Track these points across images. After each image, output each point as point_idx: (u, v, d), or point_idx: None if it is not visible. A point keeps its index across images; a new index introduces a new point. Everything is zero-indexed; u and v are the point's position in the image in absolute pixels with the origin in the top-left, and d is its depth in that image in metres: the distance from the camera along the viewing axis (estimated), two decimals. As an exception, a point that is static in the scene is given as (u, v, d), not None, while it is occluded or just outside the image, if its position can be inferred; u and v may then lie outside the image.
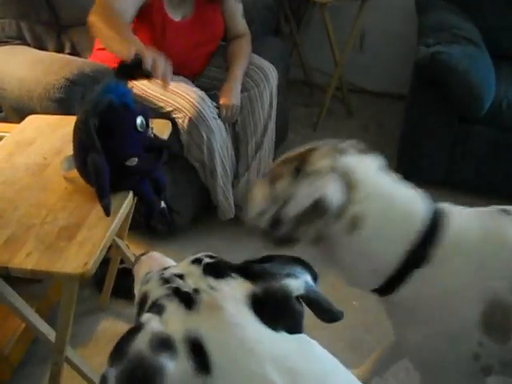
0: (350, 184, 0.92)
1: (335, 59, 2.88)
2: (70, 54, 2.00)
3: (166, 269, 0.72)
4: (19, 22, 2.03)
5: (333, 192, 0.91)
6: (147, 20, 1.78)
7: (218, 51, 2.08)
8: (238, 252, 2.06)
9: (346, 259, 0.99)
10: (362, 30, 3.05)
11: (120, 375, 0.54)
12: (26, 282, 1.61)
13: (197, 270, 0.68)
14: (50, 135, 1.40)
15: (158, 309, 0.61)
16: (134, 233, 1.97)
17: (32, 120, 1.50)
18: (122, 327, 1.73)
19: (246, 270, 0.67)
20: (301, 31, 3.15)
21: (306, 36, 3.21)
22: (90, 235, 1.04)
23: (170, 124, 1.44)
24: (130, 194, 1.16)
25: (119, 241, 1.57)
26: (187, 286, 0.64)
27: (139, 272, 0.83)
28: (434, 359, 1.00)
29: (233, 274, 0.66)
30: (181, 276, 0.67)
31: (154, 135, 1.19)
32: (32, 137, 1.39)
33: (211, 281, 0.65)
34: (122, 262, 1.67)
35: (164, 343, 0.56)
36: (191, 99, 1.79)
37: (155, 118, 1.44)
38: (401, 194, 0.96)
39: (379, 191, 0.94)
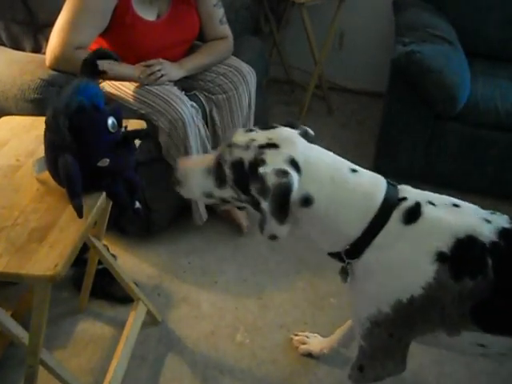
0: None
1: (314, 58, 2.89)
2: (46, 54, 1.98)
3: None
4: (-5, 21, 2.01)
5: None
6: (118, 21, 1.77)
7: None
8: (217, 251, 2.07)
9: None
10: (341, 29, 3.08)
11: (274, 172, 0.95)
12: (1, 285, 1.60)
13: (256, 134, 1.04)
14: (24, 136, 1.39)
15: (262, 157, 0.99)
16: (112, 233, 1.97)
17: (6, 121, 1.48)
18: (101, 328, 1.73)
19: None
20: (280, 30, 3.16)
21: (285, 35, 3.23)
22: (62, 237, 1.04)
23: (144, 124, 1.44)
24: (103, 195, 1.16)
25: (97, 241, 1.56)
26: (262, 140, 1.01)
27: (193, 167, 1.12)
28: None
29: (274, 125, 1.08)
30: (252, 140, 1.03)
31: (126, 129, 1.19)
32: (5, 138, 1.38)
33: (268, 133, 1.03)
34: (100, 262, 1.66)
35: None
36: (170, 100, 1.78)
37: (131, 118, 1.44)
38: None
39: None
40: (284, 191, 0.95)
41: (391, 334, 1.09)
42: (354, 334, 1.54)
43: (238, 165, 1.01)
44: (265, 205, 0.96)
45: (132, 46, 1.83)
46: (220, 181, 1.06)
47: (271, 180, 0.95)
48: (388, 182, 1.07)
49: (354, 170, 1.05)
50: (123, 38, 1.81)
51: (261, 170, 0.96)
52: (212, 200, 1.11)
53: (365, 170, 1.08)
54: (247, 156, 1.01)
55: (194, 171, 1.11)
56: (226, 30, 2.07)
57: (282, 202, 0.96)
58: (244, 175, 1.01)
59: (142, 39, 1.83)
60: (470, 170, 2.29)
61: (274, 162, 0.98)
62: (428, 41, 2.19)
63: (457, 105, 2.08)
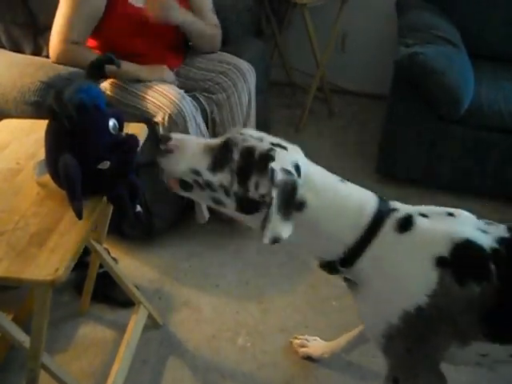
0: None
1: (316, 60, 2.88)
2: (47, 56, 1.97)
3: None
4: (-5, 24, 2.01)
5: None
6: (109, 10, 1.82)
7: (194, 51, 2.10)
8: (218, 254, 2.06)
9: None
10: (343, 31, 3.07)
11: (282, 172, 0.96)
12: (1, 289, 1.60)
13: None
14: (24, 139, 1.38)
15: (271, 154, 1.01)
16: (113, 236, 1.96)
17: (6, 124, 1.48)
18: (103, 332, 1.72)
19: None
20: (282, 32, 3.15)
21: (287, 36, 3.22)
22: (62, 241, 1.03)
23: (145, 127, 1.43)
24: (104, 198, 1.15)
25: (98, 245, 1.55)
26: (273, 140, 1.05)
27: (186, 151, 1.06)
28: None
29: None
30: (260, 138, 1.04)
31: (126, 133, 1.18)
32: (5, 141, 1.38)
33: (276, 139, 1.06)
34: (101, 266, 1.66)
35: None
36: (171, 96, 1.79)
37: (132, 121, 1.43)
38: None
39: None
40: (292, 187, 0.97)
41: (408, 348, 1.07)
42: (359, 343, 1.54)
43: (249, 152, 1.01)
44: (269, 199, 0.96)
45: (124, 34, 1.86)
46: (218, 163, 1.03)
47: (279, 176, 0.96)
48: (378, 196, 1.09)
49: (343, 181, 1.09)
50: (116, 26, 1.85)
51: (272, 164, 0.97)
52: (191, 178, 1.05)
53: (353, 184, 1.10)
54: (260, 147, 1.01)
55: (193, 144, 1.07)
56: (215, 19, 2.10)
57: (290, 197, 0.97)
58: (250, 164, 1.00)
59: (133, 25, 1.86)
60: (471, 171, 2.28)
61: (282, 161, 0.99)
62: (431, 42, 2.18)
63: (460, 107, 2.07)
